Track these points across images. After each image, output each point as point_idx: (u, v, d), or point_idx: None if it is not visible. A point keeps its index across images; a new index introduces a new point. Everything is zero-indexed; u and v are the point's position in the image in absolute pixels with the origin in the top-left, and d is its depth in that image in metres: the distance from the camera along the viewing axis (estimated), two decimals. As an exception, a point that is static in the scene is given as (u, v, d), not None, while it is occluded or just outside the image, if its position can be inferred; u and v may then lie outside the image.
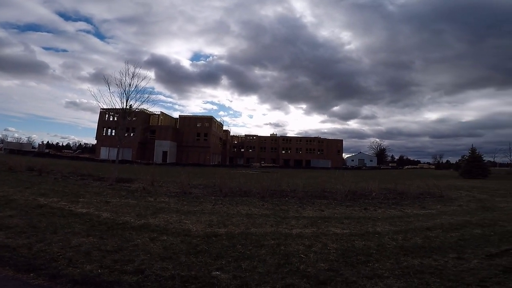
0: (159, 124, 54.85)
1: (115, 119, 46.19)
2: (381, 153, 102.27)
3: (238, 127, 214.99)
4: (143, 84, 15.27)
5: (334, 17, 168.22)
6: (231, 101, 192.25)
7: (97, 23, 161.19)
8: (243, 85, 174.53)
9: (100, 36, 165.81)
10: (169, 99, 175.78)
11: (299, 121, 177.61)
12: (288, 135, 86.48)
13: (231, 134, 79.34)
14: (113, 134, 49.52)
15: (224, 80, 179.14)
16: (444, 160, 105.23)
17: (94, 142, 55.62)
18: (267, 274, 3.26)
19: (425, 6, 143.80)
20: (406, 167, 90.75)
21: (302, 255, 3.95)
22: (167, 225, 5.48)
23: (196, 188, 11.51)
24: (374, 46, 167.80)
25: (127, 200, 8.29)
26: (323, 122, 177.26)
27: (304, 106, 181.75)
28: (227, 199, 9.00)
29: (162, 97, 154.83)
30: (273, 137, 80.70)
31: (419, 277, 3.26)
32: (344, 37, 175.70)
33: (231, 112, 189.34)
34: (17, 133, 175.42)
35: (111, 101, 14.76)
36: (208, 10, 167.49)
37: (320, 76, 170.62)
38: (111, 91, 14.60)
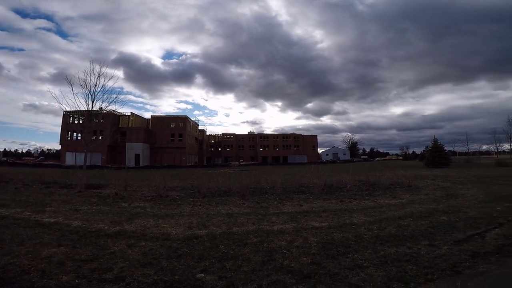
0: (130, 125, 52.66)
1: (81, 122, 43.47)
2: (353, 146, 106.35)
3: (214, 126, 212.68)
4: (110, 84, 14.54)
5: (308, 16, 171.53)
6: (206, 100, 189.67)
7: (59, 20, 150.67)
8: (219, 84, 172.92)
9: (63, 34, 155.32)
10: (140, 99, 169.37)
11: (275, 118, 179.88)
12: (265, 132, 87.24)
13: (208, 133, 78.31)
14: (80, 138, 46.64)
15: (199, 79, 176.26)
16: (411, 151, 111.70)
17: (59, 147, 52.10)
18: (253, 272, 3.26)
19: (391, 7, 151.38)
20: (377, 159, 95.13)
21: (285, 251, 4.00)
22: (144, 231, 5.32)
23: (173, 190, 11.23)
24: (344, 44, 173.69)
25: (98, 207, 7.95)
26: (298, 118, 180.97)
27: (279, 103, 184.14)
28: (206, 200, 8.89)
29: (132, 97, 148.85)
30: (250, 135, 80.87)
31: (397, 265, 3.40)
32: (317, 35, 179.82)
33: (206, 111, 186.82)
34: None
35: (75, 103, 13.91)
36: (181, 8, 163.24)
37: (294, 74, 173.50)
38: (74, 92, 13.71)
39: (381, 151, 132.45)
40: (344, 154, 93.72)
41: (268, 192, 10.17)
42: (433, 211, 6.76)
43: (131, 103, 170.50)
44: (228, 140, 78.75)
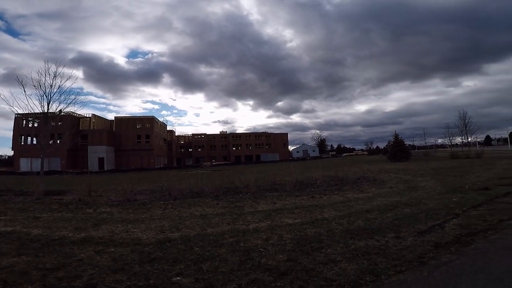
0: (92, 127, 49.66)
1: (36, 125, 40.09)
2: (321, 143, 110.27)
3: (184, 126, 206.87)
4: (68, 84, 13.63)
5: (278, 15, 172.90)
6: (175, 100, 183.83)
7: (10, 18, 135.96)
8: (188, 83, 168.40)
9: (14, 32, 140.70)
10: (102, 100, 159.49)
11: (247, 117, 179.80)
12: (237, 131, 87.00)
13: (177, 134, 76.47)
14: (35, 142, 42.91)
15: (166, 78, 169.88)
16: (375, 146, 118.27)
17: (11, 153, 47.72)
18: (231, 272, 3.25)
19: (356, 7, 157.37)
20: (344, 154, 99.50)
21: (262, 249, 4.03)
22: (113, 236, 5.10)
23: (142, 194, 10.81)
24: (313, 43, 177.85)
25: (60, 213, 7.50)
26: (269, 117, 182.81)
27: (251, 102, 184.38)
28: (177, 202, 8.66)
29: (93, 98, 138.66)
30: (222, 135, 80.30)
31: (367, 258, 3.53)
32: (287, 34, 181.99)
33: (175, 111, 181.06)
34: None
35: (29, 105, 12.88)
36: (148, 6, 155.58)
37: (265, 73, 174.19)
38: (27, 93, 12.71)
39: (348, 147, 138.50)
40: (314, 151, 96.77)
41: (242, 192, 10.17)
42: (397, 204, 7.03)
43: (93, 104, 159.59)
44: (199, 140, 77.49)
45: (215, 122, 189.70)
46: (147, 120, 53.34)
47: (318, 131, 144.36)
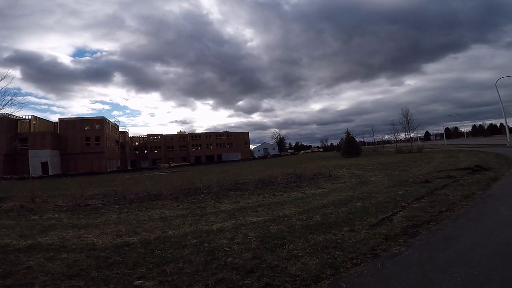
0: (32, 130, 44.54)
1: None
2: (280, 141, 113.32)
3: (138, 127, 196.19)
4: (3, 84, 12.32)
5: (239, 15, 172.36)
6: (127, 100, 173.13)
7: None
8: (142, 82, 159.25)
9: None
10: (44, 101, 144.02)
11: (207, 116, 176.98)
12: (197, 131, 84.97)
13: (130, 135, 72.08)
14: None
15: (117, 77, 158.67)
16: (329, 143, 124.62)
17: None
18: (196, 273, 3.22)
19: (311, 7, 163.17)
20: (302, 152, 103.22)
21: (227, 248, 4.04)
22: (63, 242, 4.81)
23: (93, 199, 10.12)
24: (272, 43, 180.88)
25: (0, 221, 6.93)
26: (230, 116, 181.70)
27: (211, 101, 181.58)
28: (134, 206, 8.27)
29: (33, 99, 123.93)
30: (181, 135, 77.74)
31: (326, 252, 3.68)
32: (247, 34, 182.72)
33: (127, 111, 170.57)
34: None
35: (-44, 107, 11.37)
36: (97, 4, 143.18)
37: (225, 72, 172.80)
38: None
39: (305, 144, 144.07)
40: (274, 149, 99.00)
41: (203, 192, 10.03)
42: (351, 198, 7.29)
43: (33, 105, 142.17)
44: (155, 141, 74.09)
45: (172, 122, 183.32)
46: (96, 121, 49.41)
47: (277, 130, 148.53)
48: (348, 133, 38.11)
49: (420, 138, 61.99)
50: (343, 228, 4.71)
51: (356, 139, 40.27)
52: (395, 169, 14.64)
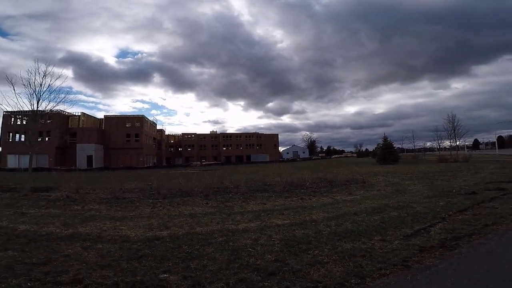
0: (81, 126, 48.71)
1: (24, 122, 39.15)
2: (311, 145, 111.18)
3: (174, 126, 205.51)
4: (58, 83, 13.54)
5: (268, 16, 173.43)
6: (165, 99, 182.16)
7: None
8: (178, 83, 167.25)
9: (2, 33, 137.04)
10: (92, 99, 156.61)
11: (238, 117, 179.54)
12: (228, 131, 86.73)
13: (167, 133, 75.54)
14: (23, 139, 41.83)
15: (156, 78, 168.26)
16: (364, 149, 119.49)
17: (-1, 149, 46.22)
18: (219, 271, 3.27)
19: (345, 6, 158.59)
20: (334, 156, 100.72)
21: (250, 249, 4.06)
22: (100, 233, 5.11)
23: (130, 192, 10.72)
24: (302, 44, 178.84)
25: (48, 210, 7.48)
26: (260, 117, 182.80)
27: (242, 102, 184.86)
28: (166, 201, 8.63)
29: (82, 97, 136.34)
30: (213, 135, 79.85)
31: (353, 260, 3.55)
32: (277, 35, 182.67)
33: (165, 110, 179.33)
34: None
35: (18, 103, 12.82)
36: (138, 7, 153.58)
37: (256, 73, 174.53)
38: (17, 91, 12.64)
39: (337, 148, 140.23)
40: (304, 152, 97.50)
41: (232, 192, 10.19)
42: (385, 207, 7.01)
43: (82, 103, 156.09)
44: (189, 140, 76.85)
45: (205, 122, 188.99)
46: (136, 119, 52.58)
47: (308, 133, 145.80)
48: (385, 138, 36.27)
49: (468, 147, 57.11)
50: (374, 237, 4.54)
51: (394, 145, 38.12)
52: (436, 178, 13.72)
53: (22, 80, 12.69)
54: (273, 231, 5.04)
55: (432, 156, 47.83)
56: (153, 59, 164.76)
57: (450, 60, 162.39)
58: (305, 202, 8.16)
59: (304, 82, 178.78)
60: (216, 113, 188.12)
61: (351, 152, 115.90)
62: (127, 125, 51.67)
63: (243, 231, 5.12)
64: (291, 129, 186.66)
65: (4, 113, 40.35)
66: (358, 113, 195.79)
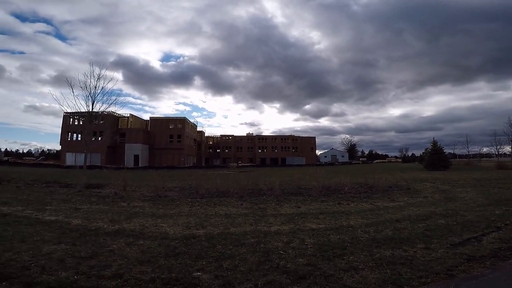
0: (129, 127, 52.79)
1: (81, 123, 43.62)
2: (351, 148, 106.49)
3: (213, 127, 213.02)
4: (110, 86, 14.89)
5: (303, 17, 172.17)
6: (205, 102, 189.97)
7: (58, 24, 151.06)
8: (217, 86, 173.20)
9: (62, 37, 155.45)
10: (139, 101, 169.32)
11: (274, 120, 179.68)
12: (263, 134, 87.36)
13: (206, 135, 78.42)
14: (79, 138, 46.57)
15: (197, 81, 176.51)
16: (410, 153, 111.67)
17: (59, 147, 52.13)
18: (249, 272, 3.31)
19: (386, 6, 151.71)
20: (376, 161, 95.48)
21: (282, 252, 4.04)
22: (143, 230, 5.38)
23: (171, 191, 11.29)
24: (341, 45, 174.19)
25: (98, 206, 8.02)
26: (296, 120, 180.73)
27: (277, 105, 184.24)
28: (204, 201, 8.93)
29: (131, 99, 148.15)
30: (249, 137, 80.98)
31: (392, 267, 3.41)
32: (313, 36, 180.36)
33: (205, 112, 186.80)
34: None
35: (76, 105, 14.21)
36: (177, 11, 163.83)
37: (292, 75, 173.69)
38: (75, 94, 13.98)
39: (380, 153, 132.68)
40: (343, 156, 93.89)
41: (266, 194, 10.22)
42: (431, 214, 6.72)
43: (130, 105, 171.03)
44: (227, 142, 78.88)
45: (242, 124, 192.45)
46: (179, 121, 55.50)
47: (348, 136, 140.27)
48: (434, 142, 33.48)
49: (532, 153, 50.08)
50: (417, 245, 4.33)
51: (445, 150, 34.93)
52: (493, 186, 12.52)
53: (79, 83, 14.07)
54: (307, 235, 4.97)
55: (488, 162, 43.27)
56: (194, 62, 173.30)
57: (510, 60, 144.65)
58: (342, 207, 7.91)
59: (343, 84, 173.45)
60: (252, 115, 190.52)
61: (395, 157, 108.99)
62: (170, 127, 54.66)
63: (275, 233, 5.12)
64: (330, 132, 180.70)
65: (64, 114, 46.10)
66: (403, 116, 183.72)
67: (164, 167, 42.35)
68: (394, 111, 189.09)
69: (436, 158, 31.06)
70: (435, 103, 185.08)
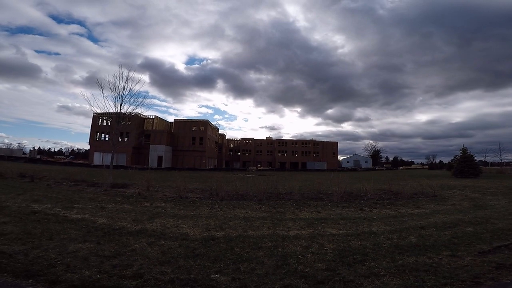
0: (154, 128, 54.46)
1: (109, 123, 45.57)
2: (375, 154, 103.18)
3: (233, 130, 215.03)
4: (137, 88, 15.12)
5: (326, 21, 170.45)
6: (226, 105, 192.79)
7: (90, 26, 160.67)
8: (238, 89, 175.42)
9: (94, 39, 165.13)
10: (164, 103, 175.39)
11: (294, 124, 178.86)
12: (283, 138, 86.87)
13: (227, 137, 79.23)
14: (107, 139, 48.59)
15: (220, 84, 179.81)
16: (437, 161, 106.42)
17: (88, 147, 54.69)
18: (266, 275, 3.29)
19: (413, 10, 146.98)
20: (401, 167, 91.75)
21: (300, 256, 3.99)
22: (164, 230, 5.47)
23: (193, 192, 11.47)
24: (366, 49, 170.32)
25: (122, 205, 8.23)
26: (317, 124, 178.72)
27: (299, 109, 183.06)
28: (224, 203, 9.00)
29: (156, 101, 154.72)
30: (269, 140, 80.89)
31: (415, 274, 3.32)
32: (337, 40, 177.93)
33: (226, 115, 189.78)
34: (7, 139, 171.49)
35: (105, 105, 14.62)
36: (202, 14, 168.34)
37: (314, 79, 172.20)
38: (104, 95, 14.45)
39: (405, 159, 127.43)
40: (366, 162, 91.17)
41: (285, 198, 10.14)
42: (459, 222, 6.53)
43: (156, 107, 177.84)
44: (247, 145, 79.22)
45: (262, 127, 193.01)
46: (201, 124, 56.57)
47: (372, 141, 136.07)
48: (464, 149, 31.79)
49: None
50: (442, 252, 4.20)
51: (475, 158, 32.99)
52: None
53: (109, 84, 14.45)
54: (326, 240, 4.87)
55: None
56: (217, 65, 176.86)
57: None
58: (364, 213, 7.70)
59: (368, 88, 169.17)
60: (272, 119, 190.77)
61: (422, 164, 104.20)
62: (193, 129, 55.78)
63: (293, 237, 5.06)
64: (353, 137, 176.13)
65: (94, 114, 48.50)
66: (431, 122, 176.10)
67: (186, 169, 43.29)
68: (421, 117, 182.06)
69: (465, 165, 29.53)
70: (465, 109, 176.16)
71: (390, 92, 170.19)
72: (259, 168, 60.77)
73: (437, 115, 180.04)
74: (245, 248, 4.34)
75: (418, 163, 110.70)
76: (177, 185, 11.19)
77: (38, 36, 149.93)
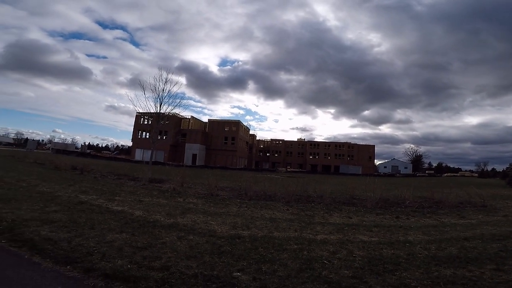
0: (190, 128, 56.74)
1: (150, 122, 48.53)
2: (417, 160, 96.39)
3: (264, 131, 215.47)
4: (175, 89, 15.97)
5: (359, 20, 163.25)
6: (257, 106, 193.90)
7: (132, 31, 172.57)
8: (269, 90, 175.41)
9: (135, 43, 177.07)
10: (199, 104, 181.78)
11: (327, 125, 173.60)
12: (316, 139, 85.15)
13: (257, 138, 79.76)
14: (147, 136, 51.84)
15: (251, 85, 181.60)
16: (489, 168, 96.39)
17: (130, 144, 58.96)
18: (287, 278, 3.23)
19: (455, 6, 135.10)
20: (445, 174, 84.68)
21: (326, 261, 3.86)
22: (194, 225, 5.64)
23: (223, 190, 11.70)
24: (405, 47, 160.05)
25: (158, 199, 8.62)
26: (353, 126, 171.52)
27: (332, 110, 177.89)
28: (252, 203, 9.05)
29: (192, 102, 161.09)
30: (300, 142, 79.82)
31: (450, 287, 3.10)
32: (372, 39, 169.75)
33: (257, 116, 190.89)
34: (63, 135, 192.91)
35: (146, 105, 15.74)
36: (231, 17, 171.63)
37: (349, 79, 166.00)
38: (146, 95, 15.54)
39: (451, 166, 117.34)
40: (406, 168, 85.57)
41: (315, 201, 9.89)
42: (510, 235, 6.00)
43: (192, 107, 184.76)
44: (277, 146, 78.94)
45: (293, 128, 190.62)
46: (233, 124, 57.79)
47: (413, 146, 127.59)
48: (522, 155, 28.42)
49: None
50: (486, 265, 3.89)
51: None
52: None
53: (150, 86, 15.57)
54: (356, 247, 4.67)
55: None
56: (247, 67, 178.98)
57: None
58: (400, 222, 7.25)
59: (409, 88, 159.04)
60: (304, 120, 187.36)
61: (471, 171, 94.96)
62: (225, 129, 57.28)
63: (321, 242, 4.91)
64: (392, 140, 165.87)
65: (137, 113, 51.93)
66: (482, 125, 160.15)
67: (218, 167, 44.36)
68: (471, 120, 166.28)
69: (524, 174, 26.36)
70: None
71: (435, 93, 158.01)
72: (288, 169, 60.18)
73: (490, 117, 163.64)
74: (269, 249, 4.31)
75: (466, 170, 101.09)
76: (209, 182, 11.49)
77: (88, 40, 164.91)
